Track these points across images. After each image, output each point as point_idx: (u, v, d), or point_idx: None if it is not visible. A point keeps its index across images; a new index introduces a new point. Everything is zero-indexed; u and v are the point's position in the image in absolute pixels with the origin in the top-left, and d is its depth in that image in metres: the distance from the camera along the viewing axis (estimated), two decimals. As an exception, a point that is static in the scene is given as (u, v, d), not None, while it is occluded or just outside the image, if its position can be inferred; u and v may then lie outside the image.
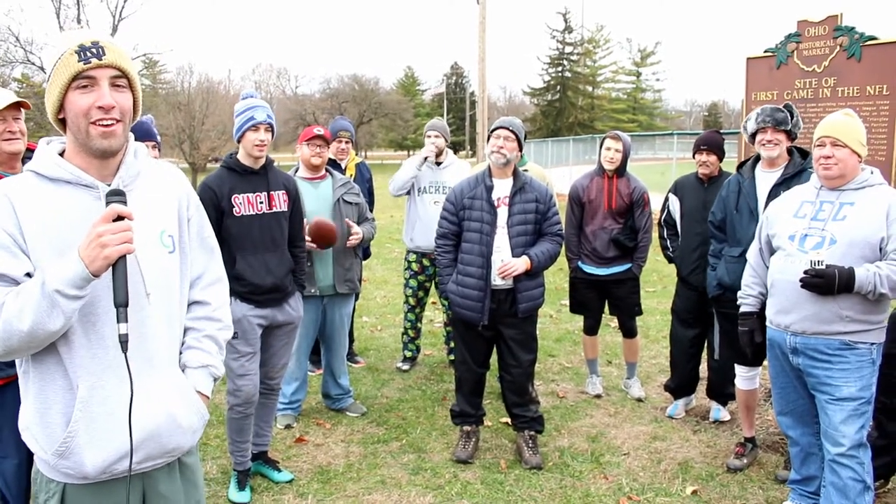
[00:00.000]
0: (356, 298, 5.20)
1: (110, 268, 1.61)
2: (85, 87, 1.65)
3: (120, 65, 1.68)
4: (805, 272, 3.04)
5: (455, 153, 6.02)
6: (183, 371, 1.91)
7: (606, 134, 5.15)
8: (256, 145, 3.64)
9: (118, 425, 1.71)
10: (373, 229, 4.82)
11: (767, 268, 3.42)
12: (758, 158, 4.02)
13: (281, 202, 3.79)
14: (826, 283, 2.99)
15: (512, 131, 4.07)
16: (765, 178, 3.96)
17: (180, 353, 1.92)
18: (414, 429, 4.68)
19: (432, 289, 5.87)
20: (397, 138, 64.71)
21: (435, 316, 7.44)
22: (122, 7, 39.30)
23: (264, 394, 3.93)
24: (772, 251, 3.40)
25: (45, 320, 1.57)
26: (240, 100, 3.78)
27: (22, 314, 1.56)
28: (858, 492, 3.07)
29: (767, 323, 3.39)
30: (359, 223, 4.69)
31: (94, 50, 1.65)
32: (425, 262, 5.69)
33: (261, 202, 3.72)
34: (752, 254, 3.58)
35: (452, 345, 5.64)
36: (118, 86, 1.69)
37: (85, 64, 1.63)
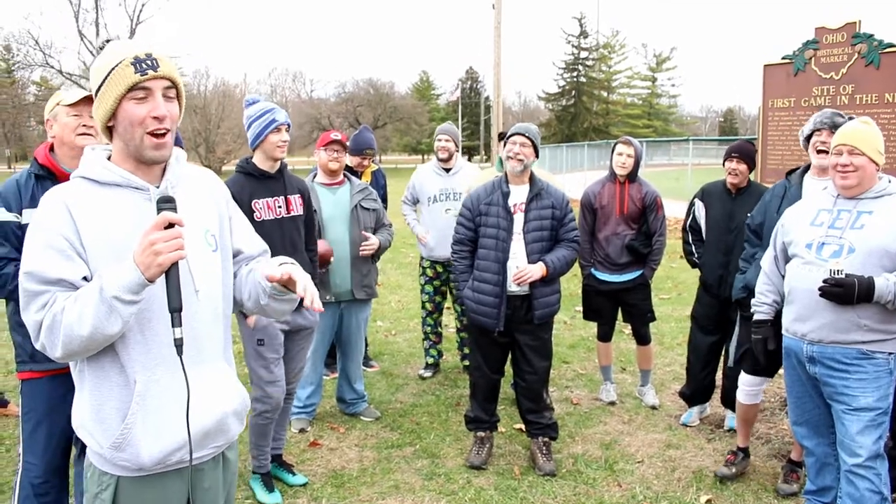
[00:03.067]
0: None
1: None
2: (141, 98, 1.72)
3: (171, 76, 1.76)
4: (825, 281, 3.02)
5: (470, 158, 6.04)
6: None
7: (618, 139, 5.14)
8: (279, 146, 3.67)
9: (173, 418, 1.78)
10: (390, 236, 4.83)
11: (782, 276, 3.40)
12: (808, 167, 3.89)
13: (297, 206, 3.82)
14: (846, 292, 2.97)
15: (528, 137, 4.08)
16: (812, 187, 3.79)
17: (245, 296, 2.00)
18: (428, 434, 4.69)
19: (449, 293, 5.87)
20: (412, 142, 64.85)
21: (448, 321, 7.44)
22: (140, 11, 39.70)
23: (280, 398, 3.95)
24: (787, 259, 3.38)
25: (104, 325, 1.62)
26: (245, 105, 3.77)
27: (82, 319, 1.61)
28: (875, 503, 3.05)
29: (784, 331, 3.36)
30: (376, 229, 4.71)
31: (149, 62, 1.71)
32: (438, 267, 5.71)
33: (279, 206, 3.74)
34: (767, 261, 3.55)
35: (466, 350, 5.66)
36: (168, 96, 1.77)
37: (142, 75, 1.70)
